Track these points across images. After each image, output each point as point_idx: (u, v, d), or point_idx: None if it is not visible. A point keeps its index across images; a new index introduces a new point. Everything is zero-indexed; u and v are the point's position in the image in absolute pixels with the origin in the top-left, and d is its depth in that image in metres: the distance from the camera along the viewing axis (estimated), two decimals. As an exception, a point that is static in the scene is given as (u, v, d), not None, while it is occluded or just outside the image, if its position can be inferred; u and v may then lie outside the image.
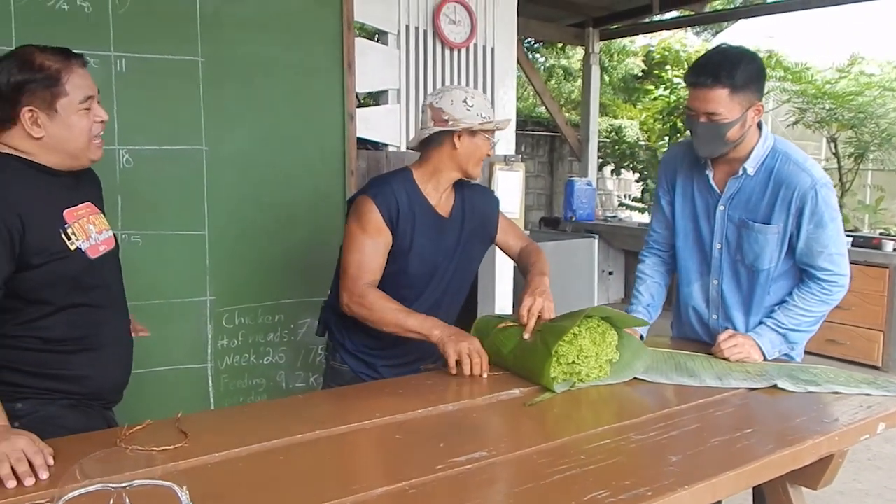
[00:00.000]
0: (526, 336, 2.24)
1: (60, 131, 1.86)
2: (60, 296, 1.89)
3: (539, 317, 2.27)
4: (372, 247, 2.37)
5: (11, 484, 1.46)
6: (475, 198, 2.62)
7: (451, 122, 2.39)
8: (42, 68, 1.82)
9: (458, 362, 2.23)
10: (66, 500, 1.32)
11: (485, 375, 2.22)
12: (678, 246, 2.61)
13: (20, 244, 1.78)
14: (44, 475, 1.50)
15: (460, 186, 2.58)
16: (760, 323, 2.45)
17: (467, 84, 4.24)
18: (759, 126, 2.40)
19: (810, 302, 2.41)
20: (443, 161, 2.45)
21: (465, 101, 2.40)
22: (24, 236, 1.78)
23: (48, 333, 1.88)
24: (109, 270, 2.05)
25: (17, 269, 1.79)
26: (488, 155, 2.48)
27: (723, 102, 2.25)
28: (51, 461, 1.54)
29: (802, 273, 2.44)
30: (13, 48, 2.61)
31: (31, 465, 1.50)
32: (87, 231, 1.95)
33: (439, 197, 2.50)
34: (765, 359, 2.39)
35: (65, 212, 1.90)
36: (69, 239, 1.88)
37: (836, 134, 8.25)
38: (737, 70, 2.24)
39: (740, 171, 2.40)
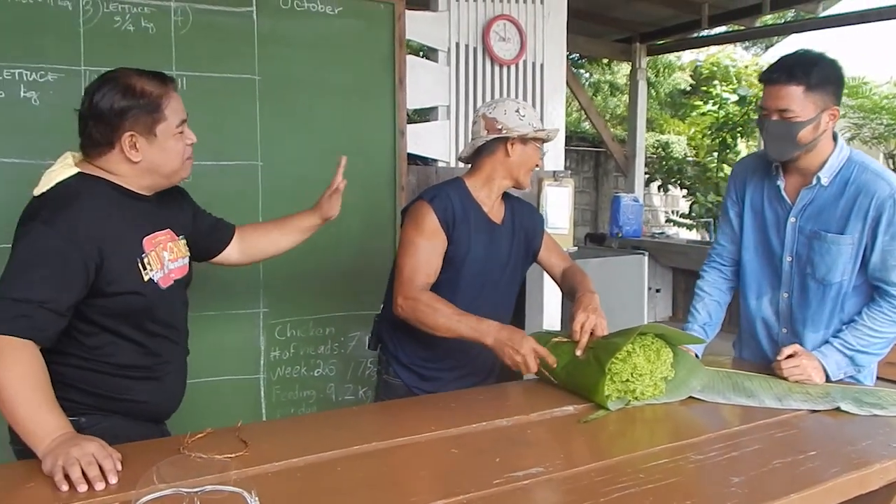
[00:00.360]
0: (578, 353, 2.23)
1: (157, 155, 1.88)
2: (130, 325, 1.90)
3: (592, 333, 2.26)
4: (428, 249, 2.38)
5: (83, 488, 1.49)
6: (523, 211, 2.65)
7: (504, 131, 2.42)
8: (144, 94, 1.84)
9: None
10: (142, 502, 1.36)
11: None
12: (745, 259, 2.54)
13: (95, 273, 1.79)
14: (113, 479, 1.52)
15: (509, 198, 2.62)
16: (827, 342, 2.36)
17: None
18: (835, 137, 2.35)
19: (881, 322, 2.32)
20: (495, 169, 2.48)
21: (517, 110, 2.44)
22: (100, 267, 1.79)
23: (115, 359, 1.89)
24: (178, 301, 2.06)
25: (89, 295, 1.80)
26: (538, 165, 2.51)
27: (796, 99, 2.21)
28: (119, 466, 1.57)
29: (874, 290, 2.35)
30: (82, 67, 2.77)
31: (101, 469, 1.53)
32: (162, 259, 1.95)
33: (491, 205, 2.53)
34: (828, 380, 2.30)
35: (144, 239, 1.92)
36: (144, 269, 1.89)
37: (894, 150, 8.10)
38: (813, 69, 2.20)
39: (814, 181, 2.34)
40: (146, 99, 1.84)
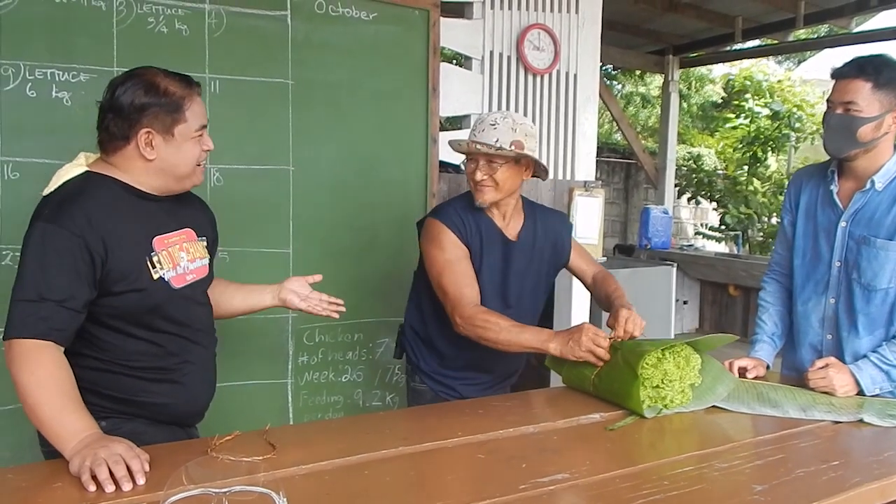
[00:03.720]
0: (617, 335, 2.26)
1: (172, 156, 1.89)
2: (141, 325, 1.90)
3: (632, 335, 2.27)
4: (457, 263, 2.40)
5: (110, 488, 1.50)
6: (548, 221, 2.64)
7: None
8: (167, 93, 1.86)
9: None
10: (171, 502, 1.38)
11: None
12: (796, 265, 2.55)
13: (102, 269, 1.80)
14: (141, 480, 1.53)
15: (532, 208, 2.61)
16: (864, 356, 2.35)
17: (549, 110, 4.26)
18: (894, 145, 2.35)
19: None
20: None
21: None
22: (105, 261, 1.80)
23: (128, 360, 1.90)
24: (197, 302, 2.05)
25: (98, 294, 1.81)
26: (476, 180, 2.42)
27: (863, 94, 2.23)
28: (147, 467, 1.57)
29: None
30: (115, 68, 2.80)
31: (128, 469, 1.53)
32: (177, 259, 1.95)
33: (505, 219, 2.52)
34: (861, 394, 2.29)
35: (154, 239, 1.91)
36: (153, 267, 1.89)
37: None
38: (884, 68, 2.23)
39: (867, 185, 2.34)
40: (168, 98, 1.86)
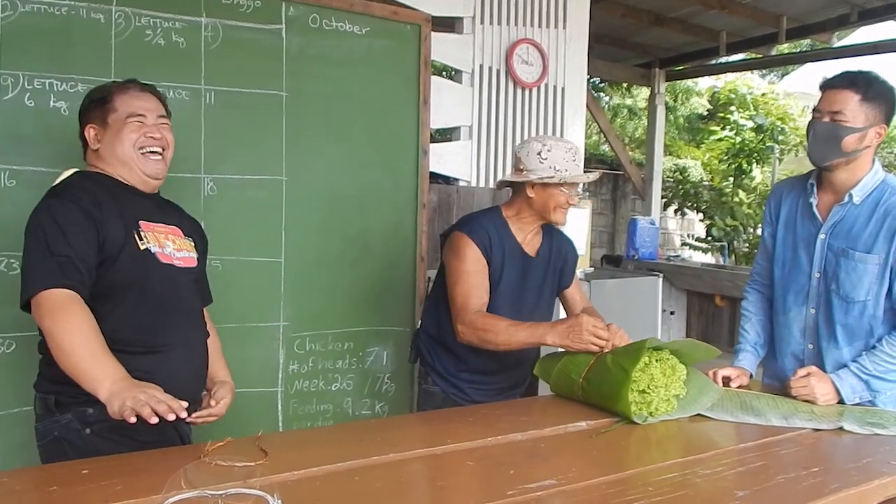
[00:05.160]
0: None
1: (111, 141, 2.08)
2: (127, 294, 1.99)
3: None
4: (473, 275, 2.49)
5: (154, 420, 1.63)
6: (563, 245, 2.76)
7: (524, 173, 2.52)
8: (97, 91, 2.14)
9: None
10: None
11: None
12: (776, 275, 2.60)
13: (100, 228, 1.95)
14: (183, 414, 1.70)
15: (549, 230, 2.70)
16: (845, 366, 2.39)
17: (537, 123, 4.32)
18: (873, 160, 2.41)
19: None
20: (523, 207, 2.59)
21: (539, 153, 2.50)
22: (103, 226, 1.96)
23: (115, 333, 1.92)
24: (183, 286, 2.15)
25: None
26: (571, 204, 2.55)
27: (851, 105, 2.29)
28: (183, 412, 1.71)
29: None
30: (112, 79, 2.83)
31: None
32: (163, 243, 2.09)
33: (525, 236, 2.62)
34: (841, 402, 2.34)
35: (141, 221, 2.07)
36: (140, 240, 2.03)
37: (907, 178, 8.15)
38: (873, 83, 2.30)
39: (846, 199, 2.39)
40: (99, 94, 2.13)
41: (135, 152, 2.08)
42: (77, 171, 2.10)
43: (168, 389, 1.96)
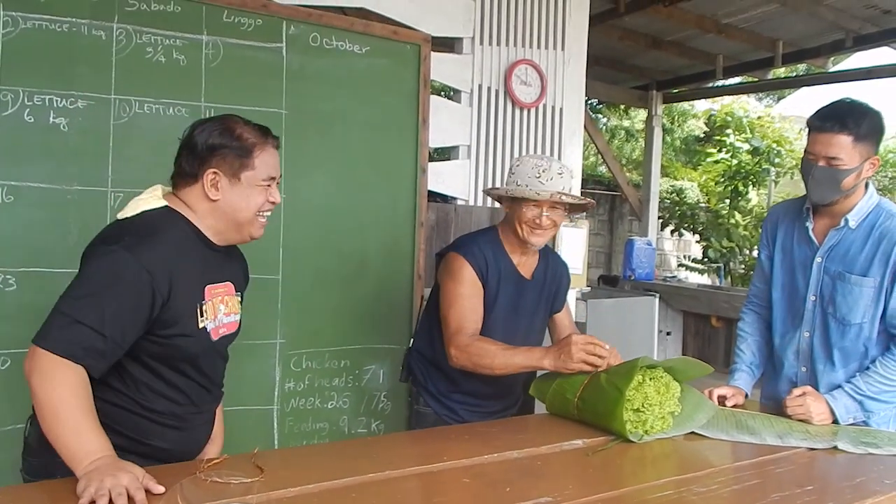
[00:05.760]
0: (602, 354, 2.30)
1: (236, 200, 1.90)
2: (174, 369, 1.91)
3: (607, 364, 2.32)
4: (468, 298, 2.47)
5: None
6: (557, 268, 2.74)
7: (497, 187, 2.51)
8: (240, 138, 1.89)
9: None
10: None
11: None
12: (774, 298, 2.60)
13: (161, 307, 1.80)
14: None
15: (545, 251, 2.70)
16: (839, 387, 2.40)
17: (535, 143, 4.34)
18: (866, 184, 2.42)
19: (892, 370, 2.35)
20: (507, 225, 2.58)
21: (511, 167, 2.50)
22: (167, 302, 1.81)
23: (150, 403, 1.89)
24: (221, 352, 2.07)
25: (146, 332, 1.81)
26: (539, 223, 2.47)
27: (845, 149, 2.28)
28: (159, 489, 1.57)
29: (890, 339, 2.39)
30: (112, 96, 2.85)
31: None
32: (217, 311, 1.96)
33: (520, 257, 2.60)
34: (836, 422, 2.35)
35: (207, 287, 1.93)
36: (202, 316, 1.90)
37: (898, 203, 8.19)
38: (863, 120, 2.28)
39: (842, 223, 2.41)
40: (240, 142, 1.89)
41: (254, 217, 1.94)
42: (165, 208, 1.90)
43: (180, 458, 1.95)
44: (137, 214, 1.87)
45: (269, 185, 1.94)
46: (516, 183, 2.47)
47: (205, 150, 1.87)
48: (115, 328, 1.72)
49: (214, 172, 1.87)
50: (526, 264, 2.63)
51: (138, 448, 1.88)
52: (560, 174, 2.46)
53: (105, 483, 1.51)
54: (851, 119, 2.28)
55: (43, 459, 1.80)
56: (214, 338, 1.96)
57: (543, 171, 2.45)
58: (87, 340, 1.68)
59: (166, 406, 1.92)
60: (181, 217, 1.91)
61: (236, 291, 2.08)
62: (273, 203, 1.97)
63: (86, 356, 1.68)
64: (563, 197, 2.44)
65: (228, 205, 1.91)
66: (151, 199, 1.90)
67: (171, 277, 1.81)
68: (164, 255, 1.81)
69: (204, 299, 1.92)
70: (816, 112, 2.37)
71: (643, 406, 2.15)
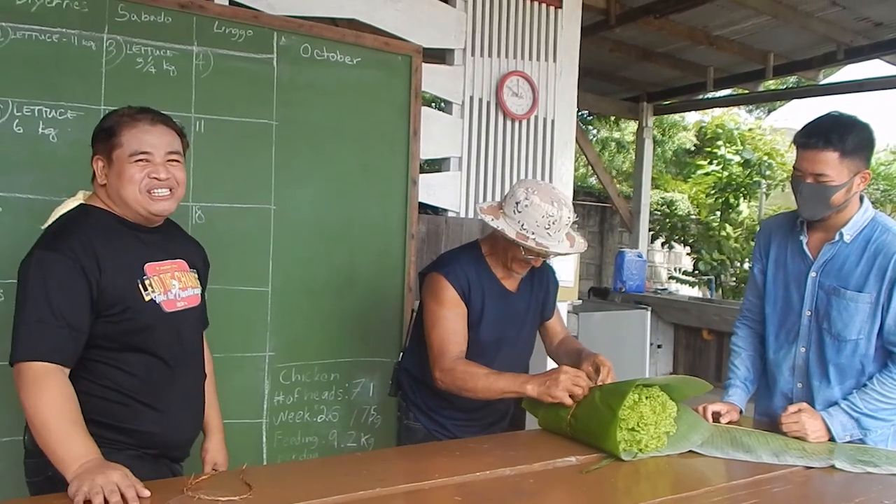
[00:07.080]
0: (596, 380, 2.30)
1: (115, 180, 1.96)
2: (130, 348, 1.95)
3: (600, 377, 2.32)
4: (452, 320, 2.45)
5: None
6: (544, 275, 2.71)
7: (500, 211, 2.43)
8: (106, 119, 2.00)
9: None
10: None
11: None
12: (767, 313, 2.58)
13: (97, 289, 1.87)
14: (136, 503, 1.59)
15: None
16: (835, 404, 2.37)
17: (527, 155, 4.33)
18: (861, 197, 2.40)
19: (889, 387, 2.33)
20: (493, 247, 2.55)
21: (518, 202, 2.37)
22: (100, 282, 1.88)
23: (117, 383, 1.94)
24: (187, 328, 2.10)
25: (98, 314, 1.89)
26: (532, 265, 2.49)
27: (832, 165, 2.25)
28: (146, 493, 1.63)
29: (887, 355, 2.37)
30: (102, 106, 2.82)
31: (123, 498, 1.59)
32: (169, 285, 2.02)
33: (503, 272, 2.57)
34: (832, 440, 2.32)
35: (146, 265, 1.99)
36: (145, 290, 1.96)
37: (891, 216, 8.21)
38: (848, 135, 2.25)
39: (836, 237, 2.39)
40: (106, 123, 1.99)
41: (140, 195, 1.96)
42: (80, 205, 2.00)
43: (169, 444, 2.05)
44: (55, 220, 1.97)
45: (142, 160, 1.95)
46: (522, 225, 2.36)
47: (91, 143, 2.01)
48: (67, 312, 1.82)
49: (99, 158, 1.98)
50: (510, 278, 2.59)
51: (122, 436, 1.96)
52: (568, 223, 2.40)
53: (97, 481, 1.60)
54: (836, 134, 2.25)
55: (41, 459, 1.85)
56: (168, 309, 2.01)
57: (553, 223, 2.35)
58: (48, 334, 1.80)
59: (131, 383, 1.96)
60: (98, 209, 1.99)
61: (190, 268, 2.14)
62: (158, 179, 1.97)
63: (51, 351, 1.79)
64: (558, 254, 2.45)
65: (112, 186, 1.97)
66: (69, 202, 2.02)
67: (97, 259, 1.88)
68: (82, 241, 1.88)
69: (146, 275, 1.98)
70: (802, 128, 2.35)
71: (638, 425, 2.13)
